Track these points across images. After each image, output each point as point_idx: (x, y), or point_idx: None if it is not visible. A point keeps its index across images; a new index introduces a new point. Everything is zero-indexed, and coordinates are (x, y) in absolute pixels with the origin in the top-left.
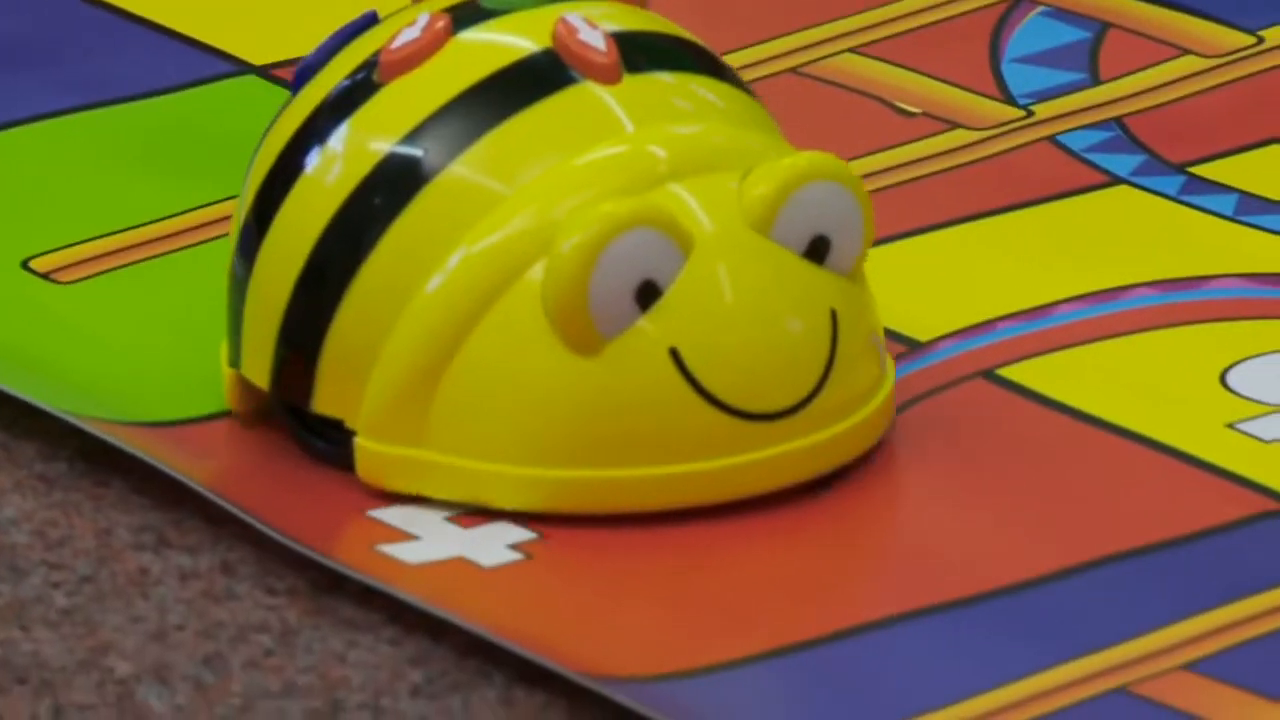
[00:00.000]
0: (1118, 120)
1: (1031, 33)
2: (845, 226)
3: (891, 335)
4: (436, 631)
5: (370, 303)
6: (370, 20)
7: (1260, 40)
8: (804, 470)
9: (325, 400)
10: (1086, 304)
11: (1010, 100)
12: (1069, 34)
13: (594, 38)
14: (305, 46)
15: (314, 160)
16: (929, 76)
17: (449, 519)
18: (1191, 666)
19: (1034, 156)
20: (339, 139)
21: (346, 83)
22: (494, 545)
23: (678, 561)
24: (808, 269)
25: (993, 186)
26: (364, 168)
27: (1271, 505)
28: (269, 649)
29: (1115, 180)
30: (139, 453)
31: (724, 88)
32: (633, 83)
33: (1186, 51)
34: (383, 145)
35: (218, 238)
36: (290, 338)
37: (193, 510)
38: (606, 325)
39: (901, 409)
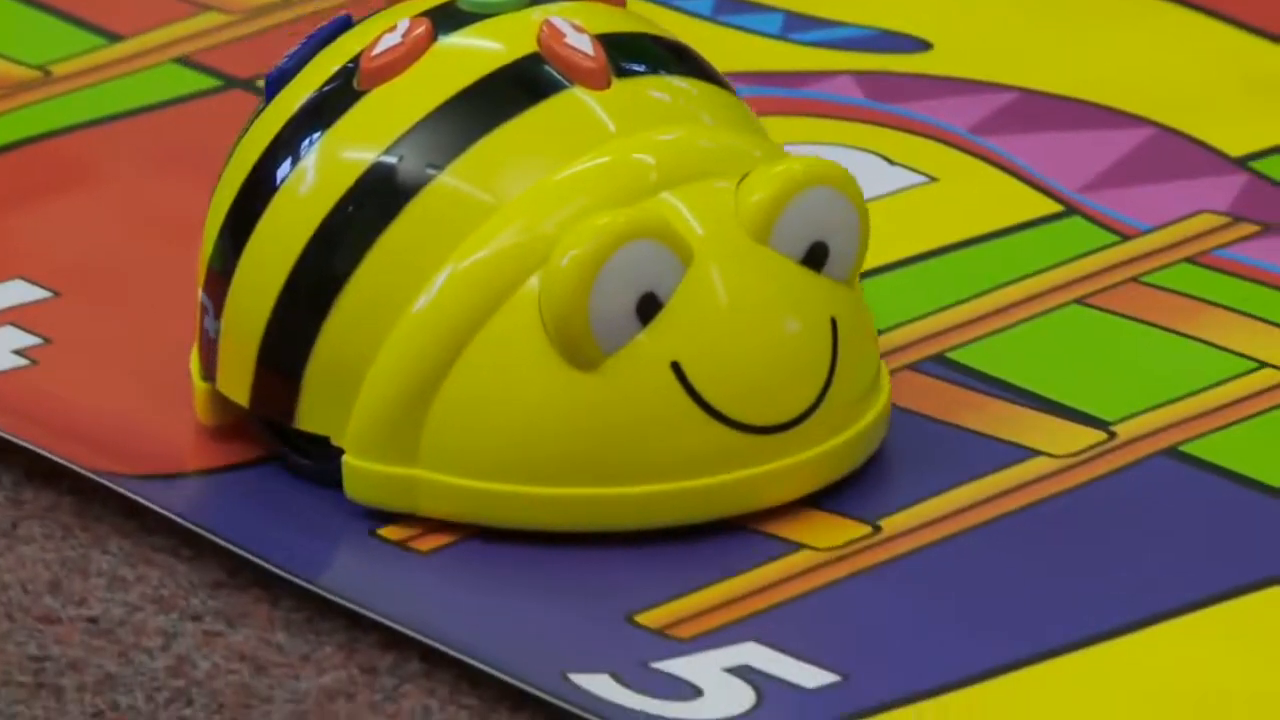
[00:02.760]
0: None
1: None
2: (843, 232)
3: None
4: None
5: (356, 320)
6: (344, 24)
7: None
8: (807, 484)
9: (309, 418)
10: None
11: None
12: None
13: (581, 42)
14: None
15: (292, 173)
16: None
17: None
18: None
19: None
20: (319, 150)
21: (323, 91)
22: None
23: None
24: (807, 276)
25: None
26: (347, 180)
27: None
28: None
29: None
30: None
31: (710, 89)
32: (621, 87)
33: None
34: (366, 156)
35: None
36: (272, 355)
37: None
38: (607, 340)
39: None
